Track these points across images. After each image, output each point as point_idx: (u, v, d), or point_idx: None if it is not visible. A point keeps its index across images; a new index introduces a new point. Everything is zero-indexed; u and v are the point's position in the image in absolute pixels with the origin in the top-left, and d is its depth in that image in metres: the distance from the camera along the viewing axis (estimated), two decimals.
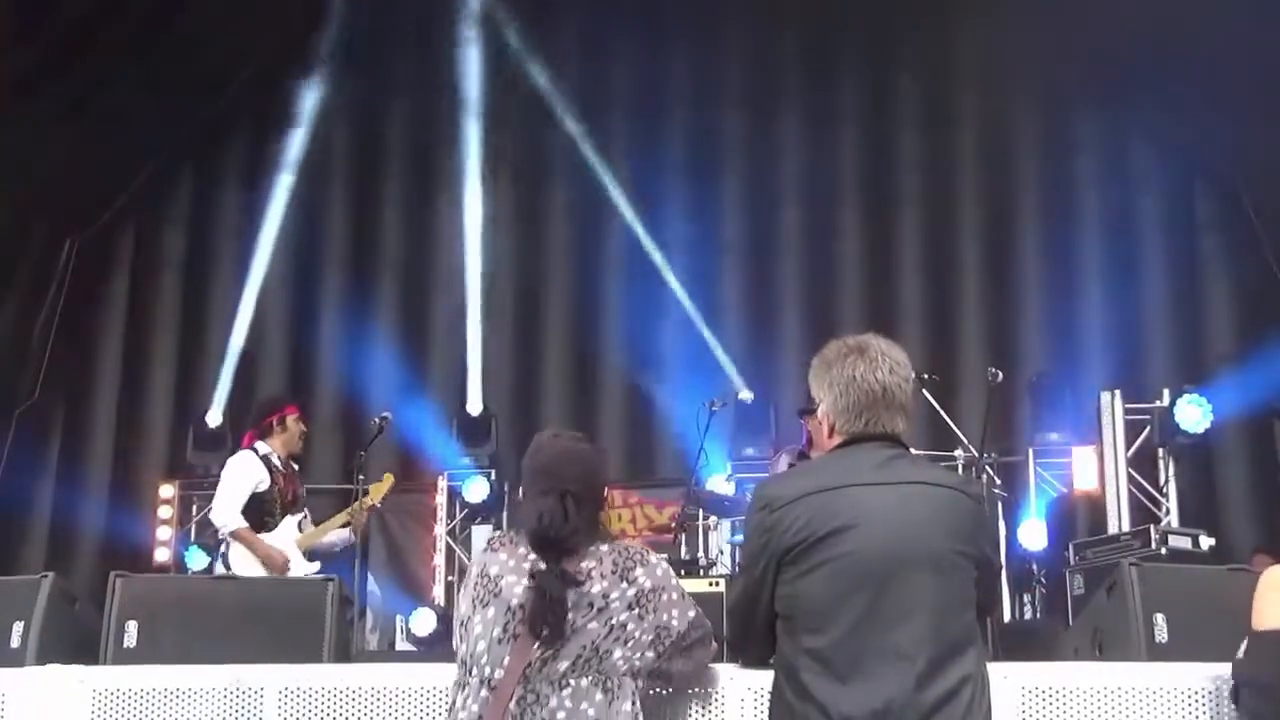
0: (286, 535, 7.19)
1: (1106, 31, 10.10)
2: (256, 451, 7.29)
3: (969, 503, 3.34)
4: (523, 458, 3.55)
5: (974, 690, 3.17)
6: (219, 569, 7.28)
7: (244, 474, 7.21)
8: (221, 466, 7.90)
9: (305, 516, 7.41)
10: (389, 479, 8.02)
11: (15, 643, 5.10)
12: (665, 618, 3.38)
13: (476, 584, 3.39)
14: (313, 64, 11.29)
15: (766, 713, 3.41)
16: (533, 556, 3.36)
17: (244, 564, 7.07)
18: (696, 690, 3.73)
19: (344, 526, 7.42)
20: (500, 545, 3.45)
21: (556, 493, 3.38)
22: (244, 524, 7.08)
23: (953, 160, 11.39)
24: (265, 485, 7.17)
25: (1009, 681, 3.78)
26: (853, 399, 3.33)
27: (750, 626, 3.38)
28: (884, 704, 3.08)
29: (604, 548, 3.39)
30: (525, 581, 3.32)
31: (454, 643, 3.47)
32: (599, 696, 3.27)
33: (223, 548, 7.26)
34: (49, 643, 5.07)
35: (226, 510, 7.13)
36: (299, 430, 7.44)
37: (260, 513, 7.15)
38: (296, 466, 7.59)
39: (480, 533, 10.68)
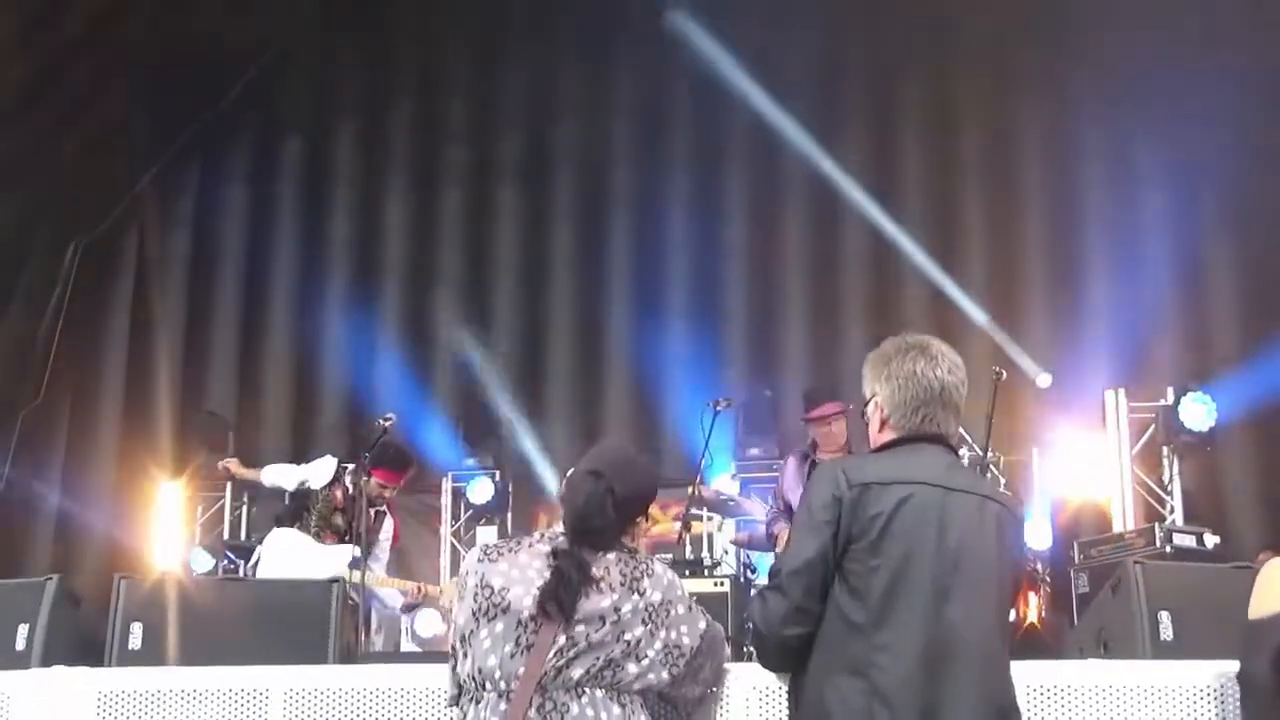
0: (337, 559, 7.12)
1: (1112, 32, 10.09)
2: (342, 462, 7.41)
3: (1014, 521, 3.41)
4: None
5: (1014, 693, 3.28)
6: (255, 568, 7.31)
7: (308, 466, 7.43)
8: (225, 467, 8.05)
9: (371, 552, 7.27)
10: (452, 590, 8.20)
11: (20, 645, 5.10)
12: (674, 635, 3.33)
13: (477, 595, 3.31)
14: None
15: (773, 710, 3.40)
16: (537, 564, 3.31)
17: (272, 554, 7.10)
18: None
19: (405, 593, 7.48)
20: (500, 555, 3.38)
21: (604, 483, 3.37)
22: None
23: (958, 161, 11.37)
24: (318, 485, 7.23)
25: (1014, 681, 3.78)
26: (911, 394, 3.35)
27: (805, 592, 3.24)
28: (936, 701, 3.12)
29: (610, 556, 3.35)
30: (534, 593, 3.26)
31: (453, 647, 3.38)
32: (616, 710, 3.24)
33: (257, 549, 7.34)
34: (54, 645, 5.08)
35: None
36: (377, 493, 7.32)
37: (300, 508, 7.23)
38: (381, 507, 7.51)
39: (485, 534, 10.68)
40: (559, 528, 3.44)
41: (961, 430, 9.15)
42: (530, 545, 3.39)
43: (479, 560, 3.40)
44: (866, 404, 3.46)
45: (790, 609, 3.25)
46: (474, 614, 3.31)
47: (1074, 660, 4.78)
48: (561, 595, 3.22)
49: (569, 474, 3.54)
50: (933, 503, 3.23)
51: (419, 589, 7.49)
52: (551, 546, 3.34)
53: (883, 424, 3.40)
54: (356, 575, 6.95)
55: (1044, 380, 10.19)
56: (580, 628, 3.23)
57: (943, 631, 3.15)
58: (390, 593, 7.46)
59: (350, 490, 7.33)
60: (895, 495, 3.22)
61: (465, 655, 3.31)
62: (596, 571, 3.29)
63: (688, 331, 11.27)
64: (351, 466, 7.41)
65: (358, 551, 7.11)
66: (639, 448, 3.92)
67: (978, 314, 10.98)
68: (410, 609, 7.71)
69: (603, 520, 3.33)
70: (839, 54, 11.49)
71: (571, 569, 3.25)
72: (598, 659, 3.23)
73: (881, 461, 3.37)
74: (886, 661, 3.12)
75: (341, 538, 7.25)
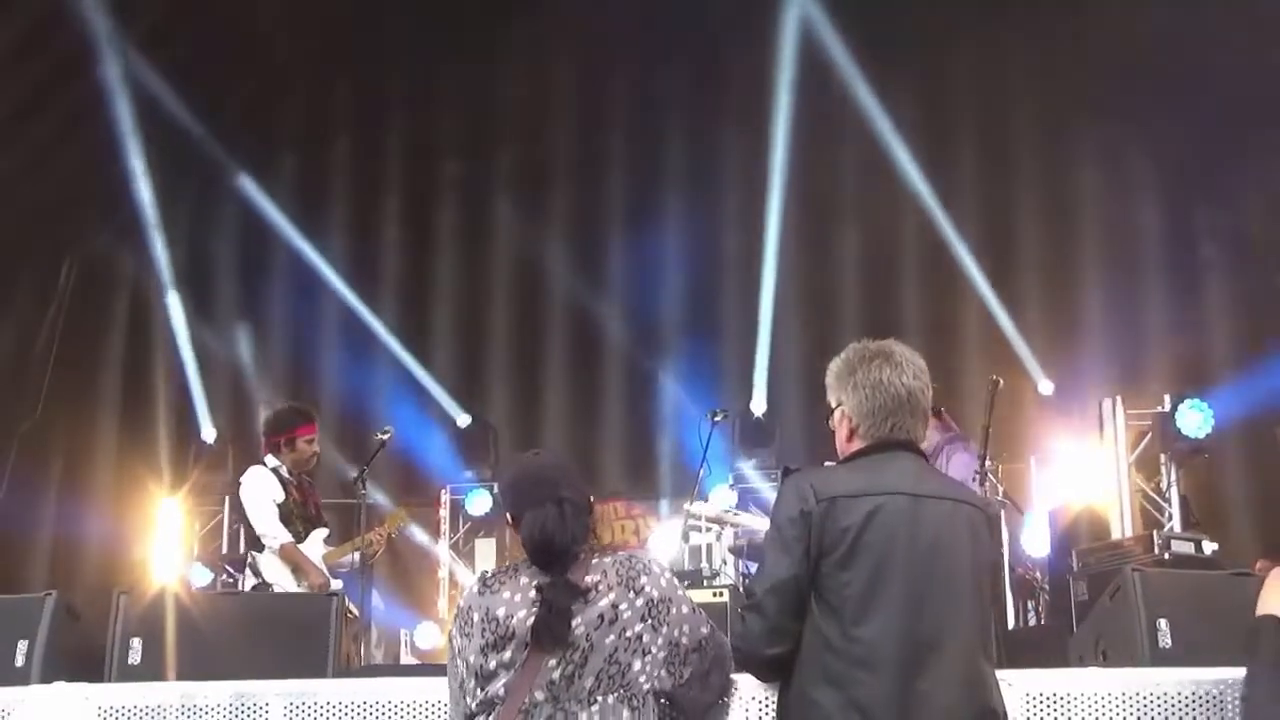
0: (315, 549, 7.15)
1: (1106, 43, 10.11)
2: (266, 465, 7.26)
3: (988, 521, 3.41)
4: (502, 481, 3.52)
5: (1000, 696, 3.27)
6: (248, 581, 7.26)
7: (263, 488, 7.17)
8: (223, 482, 7.97)
9: (329, 533, 7.40)
10: (401, 513, 8.14)
11: (20, 661, 5.09)
12: (675, 634, 3.33)
13: (485, 631, 3.28)
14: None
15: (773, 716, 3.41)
16: (539, 583, 3.31)
17: (276, 572, 7.06)
18: None
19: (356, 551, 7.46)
20: (501, 584, 3.34)
21: (553, 500, 3.34)
22: (290, 539, 7.05)
23: (954, 171, 11.38)
24: (281, 498, 7.17)
25: (1014, 688, 3.78)
26: (878, 403, 3.35)
27: (779, 611, 3.27)
28: (915, 710, 3.12)
29: (606, 560, 3.35)
30: (535, 610, 3.26)
31: (463, 683, 3.33)
32: (625, 714, 3.23)
33: (250, 557, 7.24)
34: (53, 661, 5.07)
35: (269, 524, 7.08)
36: (310, 452, 7.31)
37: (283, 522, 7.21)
38: (310, 479, 7.58)
39: (483, 546, 10.67)
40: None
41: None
42: (529, 566, 3.37)
43: (479, 593, 3.36)
44: (832, 413, 3.45)
45: (768, 628, 3.28)
46: (483, 649, 3.29)
47: (1073, 668, 4.79)
48: (554, 626, 3.21)
49: (510, 514, 3.49)
50: (903, 512, 3.24)
51: (378, 535, 7.43)
52: (534, 583, 3.31)
53: (851, 433, 3.41)
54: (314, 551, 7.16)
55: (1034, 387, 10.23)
56: (580, 629, 3.23)
57: (919, 641, 3.16)
58: (347, 558, 7.40)
59: (296, 479, 7.28)
60: (864, 507, 3.22)
61: (480, 690, 3.28)
62: (591, 579, 3.29)
63: (684, 344, 11.28)
64: (274, 463, 7.30)
65: (323, 532, 7.26)
66: (574, 441, 3.92)
67: (974, 323, 11.00)
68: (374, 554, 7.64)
69: (566, 537, 3.32)
70: (830, 59, 11.48)
71: (556, 596, 3.24)
72: (605, 660, 3.23)
73: (850, 473, 3.37)
74: (864, 675, 3.14)
75: (313, 523, 7.27)
